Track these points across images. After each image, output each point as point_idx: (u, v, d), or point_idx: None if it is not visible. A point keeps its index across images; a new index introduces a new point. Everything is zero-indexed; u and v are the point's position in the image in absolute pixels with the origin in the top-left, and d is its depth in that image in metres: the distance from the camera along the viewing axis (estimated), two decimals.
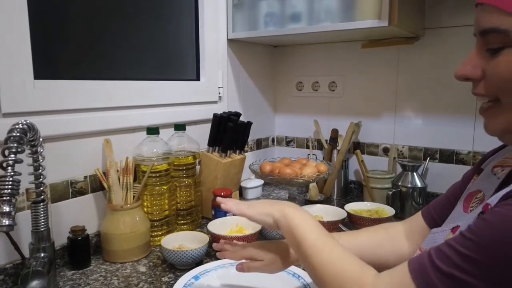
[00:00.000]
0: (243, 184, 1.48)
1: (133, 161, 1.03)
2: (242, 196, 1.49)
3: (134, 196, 1.00)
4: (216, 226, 1.03)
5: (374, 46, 1.44)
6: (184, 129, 1.15)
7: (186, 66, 1.34)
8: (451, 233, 0.56)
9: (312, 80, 1.61)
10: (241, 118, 1.27)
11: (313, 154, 1.58)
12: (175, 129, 1.15)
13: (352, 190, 1.55)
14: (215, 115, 1.21)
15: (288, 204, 0.66)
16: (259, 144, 1.65)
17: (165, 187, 1.08)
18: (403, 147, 1.44)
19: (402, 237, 0.74)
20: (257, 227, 1.01)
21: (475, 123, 1.30)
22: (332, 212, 1.16)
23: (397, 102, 1.44)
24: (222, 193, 1.13)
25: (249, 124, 1.26)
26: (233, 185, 1.28)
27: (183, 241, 0.97)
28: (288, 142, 1.72)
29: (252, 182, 1.48)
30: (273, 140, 1.74)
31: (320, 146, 1.62)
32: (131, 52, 1.16)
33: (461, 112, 1.32)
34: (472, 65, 0.54)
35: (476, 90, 0.54)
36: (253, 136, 1.59)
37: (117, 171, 1.01)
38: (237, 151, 1.27)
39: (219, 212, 1.13)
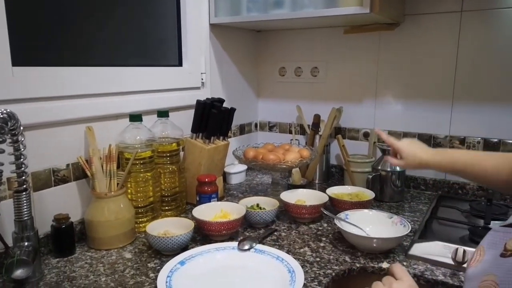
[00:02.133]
0: (226, 169, 1.49)
1: (116, 148, 1.03)
2: (225, 181, 1.50)
3: (118, 184, 1.00)
4: (201, 211, 1.04)
5: (356, 32, 1.45)
6: (168, 116, 1.15)
7: (168, 52, 1.33)
8: None
9: (294, 65, 1.61)
10: (224, 104, 1.27)
11: (295, 139, 1.60)
12: (158, 116, 1.14)
13: (334, 174, 1.59)
14: (198, 102, 1.21)
15: None
16: (242, 129, 1.66)
17: (149, 174, 1.08)
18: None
19: None
20: (242, 212, 1.03)
21: (452, 108, 1.34)
22: (314, 196, 1.19)
23: (378, 87, 1.47)
24: (207, 179, 1.14)
25: (232, 110, 1.27)
26: (217, 171, 1.29)
27: (168, 227, 0.98)
28: (271, 127, 1.73)
29: (235, 168, 1.50)
30: (256, 125, 1.75)
31: (302, 131, 1.64)
32: (112, 38, 1.14)
33: (439, 97, 1.36)
34: None
35: None
36: (236, 121, 1.60)
37: (100, 158, 1.00)
38: (221, 137, 1.28)
39: (204, 198, 1.14)
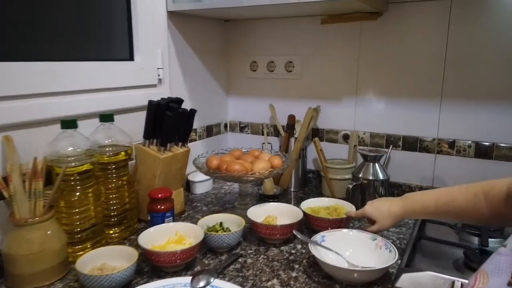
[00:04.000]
0: (190, 177, 1.32)
1: (43, 161, 0.84)
2: (190, 190, 1.33)
3: (44, 206, 0.81)
4: (150, 237, 0.87)
5: (335, 22, 1.29)
6: (112, 120, 0.97)
7: (117, 44, 1.13)
8: None
9: (267, 59, 1.44)
10: (187, 103, 1.10)
11: (268, 143, 1.44)
12: (101, 120, 0.96)
13: (311, 180, 1.44)
14: (150, 103, 1.03)
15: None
16: (210, 130, 1.48)
17: (88, 191, 0.90)
18: (364, 134, 1.33)
19: (502, 203, 0.70)
20: (200, 236, 0.87)
21: (441, 107, 1.20)
22: (287, 212, 1.03)
23: (359, 84, 1.31)
24: (160, 195, 0.97)
25: (192, 112, 1.09)
26: (176, 182, 1.12)
27: (107, 258, 0.81)
28: (242, 128, 1.56)
29: (201, 175, 1.32)
30: (225, 126, 1.58)
31: (276, 133, 1.48)
32: (42, 27, 0.94)
33: (426, 96, 1.21)
34: None
35: None
36: (203, 122, 1.43)
37: (24, 175, 0.82)
38: (179, 144, 1.10)
39: (156, 218, 0.97)
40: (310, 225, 1.02)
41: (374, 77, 1.28)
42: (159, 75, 1.18)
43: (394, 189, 1.28)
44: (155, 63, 1.17)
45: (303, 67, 1.39)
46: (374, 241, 0.87)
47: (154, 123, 1.04)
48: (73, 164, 0.85)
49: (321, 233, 0.90)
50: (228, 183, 1.42)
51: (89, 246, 0.91)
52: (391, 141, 1.29)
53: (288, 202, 1.25)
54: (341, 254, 0.84)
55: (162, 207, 0.97)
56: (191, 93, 1.35)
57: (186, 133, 1.11)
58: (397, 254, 0.80)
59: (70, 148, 0.86)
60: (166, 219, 0.97)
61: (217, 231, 0.94)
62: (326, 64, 1.35)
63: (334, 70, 1.34)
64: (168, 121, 1.02)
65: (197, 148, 1.36)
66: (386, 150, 1.26)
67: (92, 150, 0.91)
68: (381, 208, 0.88)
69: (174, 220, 1.00)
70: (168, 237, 0.91)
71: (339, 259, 0.84)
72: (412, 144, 1.26)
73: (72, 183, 0.87)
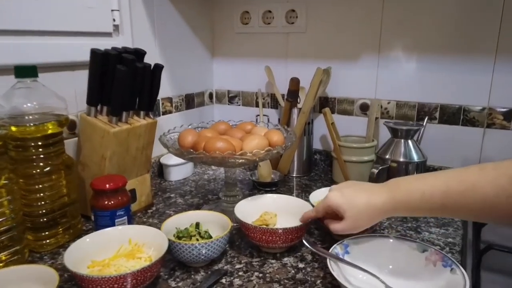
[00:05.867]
0: (164, 160, 1.02)
1: None
2: (163, 177, 1.03)
3: None
4: (86, 247, 0.57)
5: None
6: (36, 75, 0.66)
7: None
8: None
9: (262, 9, 1.12)
10: (157, 62, 0.79)
11: (264, 115, 1.14)
12: (17, 76, 0.65)
13: (318, 163, 1.14)
14: (94, 53, 0.71)
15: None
16: (190, 101, 1.18)
17: None
18: (388, 103, 1.03)
19: None
20: (163, 249, 0.57)
21: (495, 66, 0.90)
22: (291, 207, 0.74)
23: (383, 38, 1.01)
24: (107, 185, 0.67)
25: (158, 68, 0.78)
26: (138, 166, 0.82)
27: (19, 283, 0.51)
28: (232, 98, 1.26)
29: (177, 158, 1.02)
30: (210, 96, 1.27)
31: (275, 104, 1.18)
32: None
33: (473, 51, 0.91)
34: None
35: None
36: (180, 89, 1.12)
37: None
38: (142, 113, 0.80)
39: (102, 218, 0.67)
40: (323, 227, 0.73)
41: (404, 27, 0.97)
42: (114, 20, 0.86)
43: None
44: (108, 2, 0.85)
45: (309, 18, 1.08)
46: (423, 254, 0.59)
47: (101, 83, 0.73)
48: None
49: (344, 241, 0.61)
50: (213, 166, 1.13)
51: (3, 259, 0.62)
52: (425, 112, 0.99)
53: (290, 191, 0.96)
54: (375, 275, 0.56)
55: (111, 203, 0.67)
56: (162, 50, 1.03)
57: (151, 99, 0.80)
58: (466, 277, 0.51)
59: None
60: (117, 220, 0.67)
61: (191, 238, 0.65)
62: (339, 12, 1.03)
63: (350, 19, 1.03)
64: (120, 80, 0.71)
65: (172, 122, 1.06)
66: (420, 123, 0.96)
67: (2, 119, 0.61)
68: (354, 199, 0.57)
69: (131, 220, 0.71)
70: (118, 246, 0.62)
71: (373, 281, 0.55)
72: (453, 115, 0.96)
73: None
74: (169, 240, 0.60)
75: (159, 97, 1.04)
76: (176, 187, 0.99)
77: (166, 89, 1.06)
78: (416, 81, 0.99)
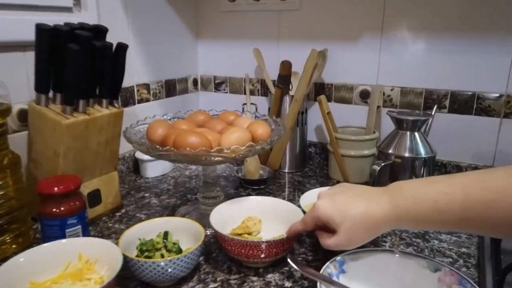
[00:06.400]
0: (139, 155, 0.91)
1: None
2: (139, 173, 0.92)
3: None
4: (21, 267, 0.46)
5: None
6: None
7: None
8: None
9: None
10: (131, 49, 0.67)
11: (252, 104, 1.03)
12: None
13: (313, 157, 1.03)
14: (40, 28, 0.59)
15: None
16: (171, 88, 1.06)
17: None
18: (392, 90, 0.92)
19: None
20: (117, 267, 0.46)
21: None
22: (278, 211, 0.63)
23: (386, 16, 0.89)
24: (56, 188, 0.56)
25: (122, 48, 0.66)
26: (103, 164, 0.70)
27: None
28: (218, 85, 1.14)
29: None
30: (195, 82, 1.15)
31: (265, 91, 1.06)
32: None
33: (490, 30, 0.79)
34: None
35: None
36: (159, 75, 1.00)
37: None
38: (104, 101, 0.68)
39: (50, 228, 0.56)
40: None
41: (410, 3, 0.85)
42: None
43: (435, 171, 0.88)
44: None
45: None
46: (435, 274, 0.48)
47: (54, 66, 0.61)
48: None
49: (338, 257, 0.50)
50: None
51: None
52: (433, 99, 0.88)
53: (281, 190, 0.85)
54: None
55: (61, 209, 0.56)
56: (137, 29, 0.91)
57: (115, 85, 0.68)
58: None
59: None
60: (68, 230, 0.56)
61: (155, 252, 0.54)
62: None
63: None
64: (73, 61, 0.59)
65: (150, 112, 0.94)
66: (428, 112, 0.85)
67: None
68: (349, 208, 0.46)
69: (87, 230, 0.60)
70: (65, 263, 0.51)
71: None
72: (465, 103, 0.85)
73: None
74: (126, 256, 0.49)
75: (134, 83, 0.93)
76: (152, 185, 0.88)
77: (141, 74, 0.94)
78: (424, 65, 0.87)
